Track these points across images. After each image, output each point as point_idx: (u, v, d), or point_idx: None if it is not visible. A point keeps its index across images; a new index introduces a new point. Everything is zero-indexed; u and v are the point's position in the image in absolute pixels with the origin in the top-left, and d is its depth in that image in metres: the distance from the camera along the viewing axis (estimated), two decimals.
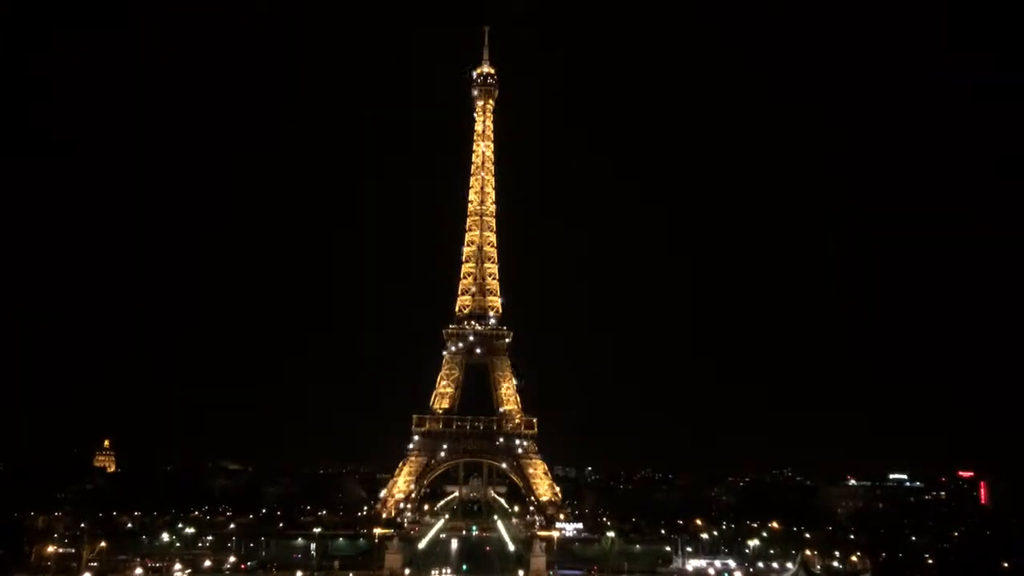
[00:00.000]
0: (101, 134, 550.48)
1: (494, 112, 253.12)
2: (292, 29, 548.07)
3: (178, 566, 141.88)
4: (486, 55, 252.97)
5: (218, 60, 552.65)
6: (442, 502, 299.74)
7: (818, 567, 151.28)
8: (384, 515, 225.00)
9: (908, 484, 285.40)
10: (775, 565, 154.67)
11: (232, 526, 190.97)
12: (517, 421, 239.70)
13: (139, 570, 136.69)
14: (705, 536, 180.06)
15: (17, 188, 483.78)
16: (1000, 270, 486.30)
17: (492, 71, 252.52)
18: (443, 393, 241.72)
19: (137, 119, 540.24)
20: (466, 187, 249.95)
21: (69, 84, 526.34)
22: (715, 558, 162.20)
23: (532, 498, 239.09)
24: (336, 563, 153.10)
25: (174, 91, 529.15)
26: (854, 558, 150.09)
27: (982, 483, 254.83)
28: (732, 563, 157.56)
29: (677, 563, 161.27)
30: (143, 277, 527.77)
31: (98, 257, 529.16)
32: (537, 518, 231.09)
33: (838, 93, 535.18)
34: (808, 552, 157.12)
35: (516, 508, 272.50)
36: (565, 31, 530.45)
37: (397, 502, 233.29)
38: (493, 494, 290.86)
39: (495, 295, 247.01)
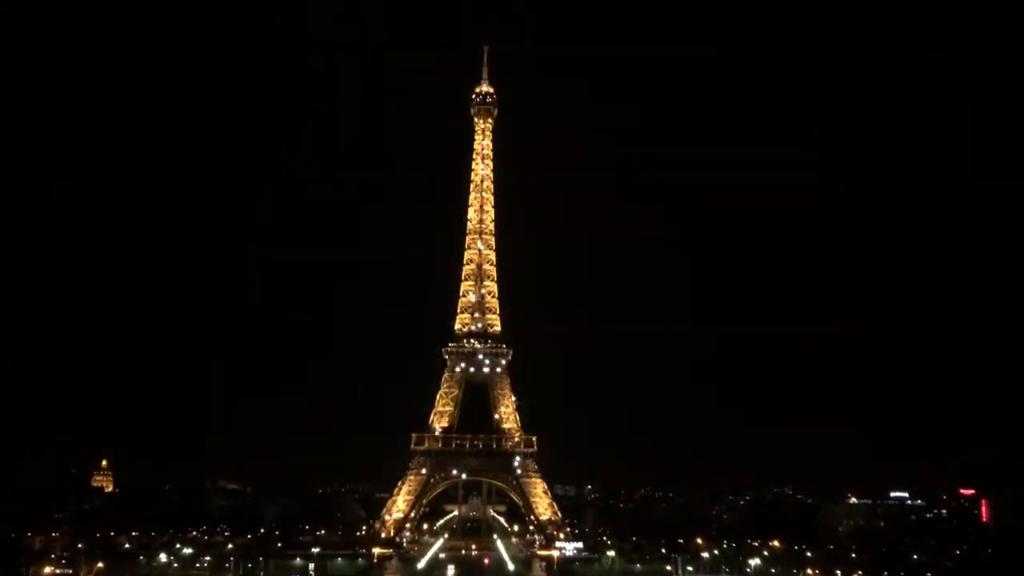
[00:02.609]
0: (100, 142, 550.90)
1: (493, 131, 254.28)
2: (290, 52, 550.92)
3: None
4: (485, 74, 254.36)
5: (216, 77, 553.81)
6: (441, 521, 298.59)
7: None
8: (383, 534, 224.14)
9: (909, 502, 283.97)
10: None
11: (230, 546, 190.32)
12: (517, 439, 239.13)
13: None
14: (706, 555, 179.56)
15: (14, 207, 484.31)
16: (1000, 284, 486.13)
17: (491, 90, 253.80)
18: (442, 412, 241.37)
19: (135, 131, 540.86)
20: (465, 205, 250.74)
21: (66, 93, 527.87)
22: None
23: (532, 517, 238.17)
24: None
25: (172, 105, 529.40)
26: None
27: (983, 501, 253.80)
28: None
29: None
30: (142, 298, 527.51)
31: (97, 278, 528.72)
32: (537, 537, 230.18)
33: (841, 101, 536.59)
34: (810, 571, 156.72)
35: (516, 527, 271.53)
36: (566, 47, 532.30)
37: (396, 521, 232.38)
38: (493, 513, 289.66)
39: (494, 313, 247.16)
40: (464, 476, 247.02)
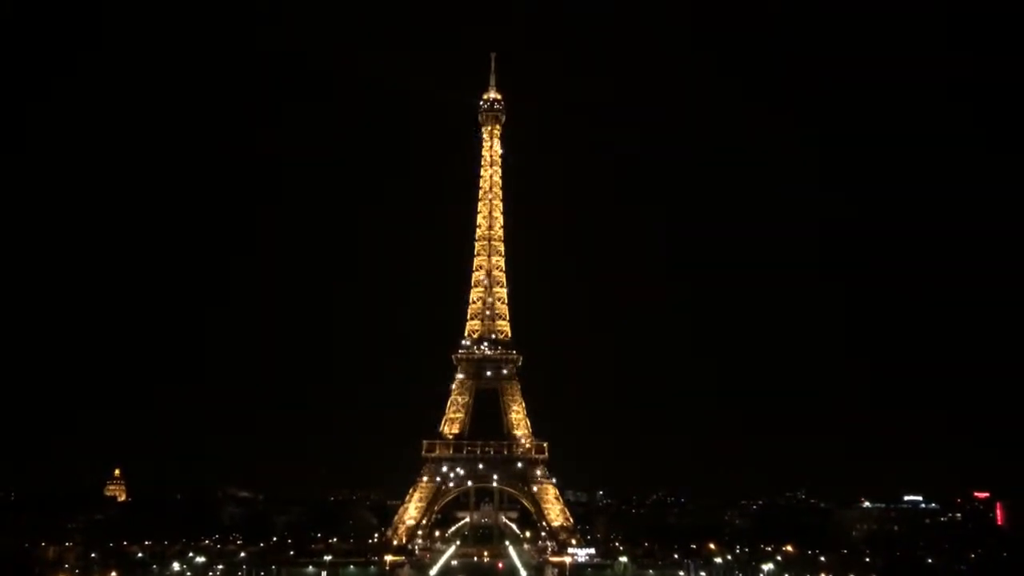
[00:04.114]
0: (101, 151, 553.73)
1: (501, 137, 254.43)
2: (291, 55, 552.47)
3: None
4: (493, 80, 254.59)
5: (217, 77, 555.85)
6: (453, 528, 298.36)
7: None
8: (395, 542, 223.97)
9: (923, 505, 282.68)
10: None
11: (243, 555, 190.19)
12: (528, 446, 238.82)
13: None
14: (719, 560, 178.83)
15: (22, 209, 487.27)
16: (1006, 287, 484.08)
17: (499, 96, 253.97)
18: (453, 418, 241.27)
19: (135, 141, 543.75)
20: (473, 212, 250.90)
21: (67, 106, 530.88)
22: None
23: (544, 523, 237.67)
24: None
25: (173, 104, 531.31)
26: None
27: (998, 504, 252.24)
28: None
29: None
30: (149, 304, 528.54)
31: (104, 282, 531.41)
32: (549, 543, 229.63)
33: (843, 113, 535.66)
34: None
35: (527, 534, 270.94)
36: (569, 50, 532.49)
37: (408, 529, 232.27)
38: (504, 520, 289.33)
39: (504, 319, 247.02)
40: (475, 483, 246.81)
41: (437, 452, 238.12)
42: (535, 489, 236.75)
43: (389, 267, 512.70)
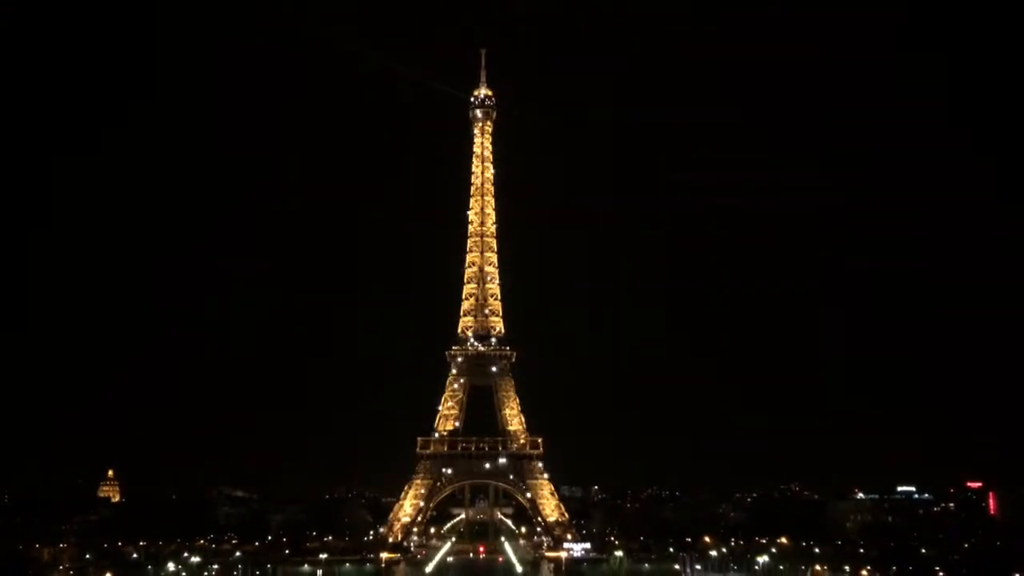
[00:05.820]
0: (100, 144, 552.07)
1: (492, 133, 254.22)
2: (288, 56, 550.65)
3: None
4: (483, 77, 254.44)
5: (216, 78, 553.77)
6: (448, 525, 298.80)
7: None
8: (390, 539, 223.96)
9: (916, 496, 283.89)
10: None
11: (238, 554, 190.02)
12: (522, 441, 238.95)
13: None
14: (714, 553, 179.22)
15: (18, 212, 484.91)
16: (1002, 282, 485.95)
17: (490, 93, 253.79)
18: (447, 415, 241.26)
19: (136, 132, 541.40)
20: (466, 208, 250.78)
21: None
22: (725, 575, 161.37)
23: (539, 519, 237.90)
24: None
25: (173, 105, 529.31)
26: (864, 572, 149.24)
27: (991, 493, 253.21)
28: None
29: None
30: (144, 304, 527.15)
31: (98, 286, 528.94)
32: (544, 539, 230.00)
33: (837, 103, 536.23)
34: (818, 567, 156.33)
35: (523, 529, 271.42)
36: (565, 49, 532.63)
37: (403, 526, 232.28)
38: (500, 516, 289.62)
39: (498, 316, 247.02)
40: (470, 479, 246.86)
41: (432, 449, 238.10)
42: (530, 485, 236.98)
43: (387, 266, 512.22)
